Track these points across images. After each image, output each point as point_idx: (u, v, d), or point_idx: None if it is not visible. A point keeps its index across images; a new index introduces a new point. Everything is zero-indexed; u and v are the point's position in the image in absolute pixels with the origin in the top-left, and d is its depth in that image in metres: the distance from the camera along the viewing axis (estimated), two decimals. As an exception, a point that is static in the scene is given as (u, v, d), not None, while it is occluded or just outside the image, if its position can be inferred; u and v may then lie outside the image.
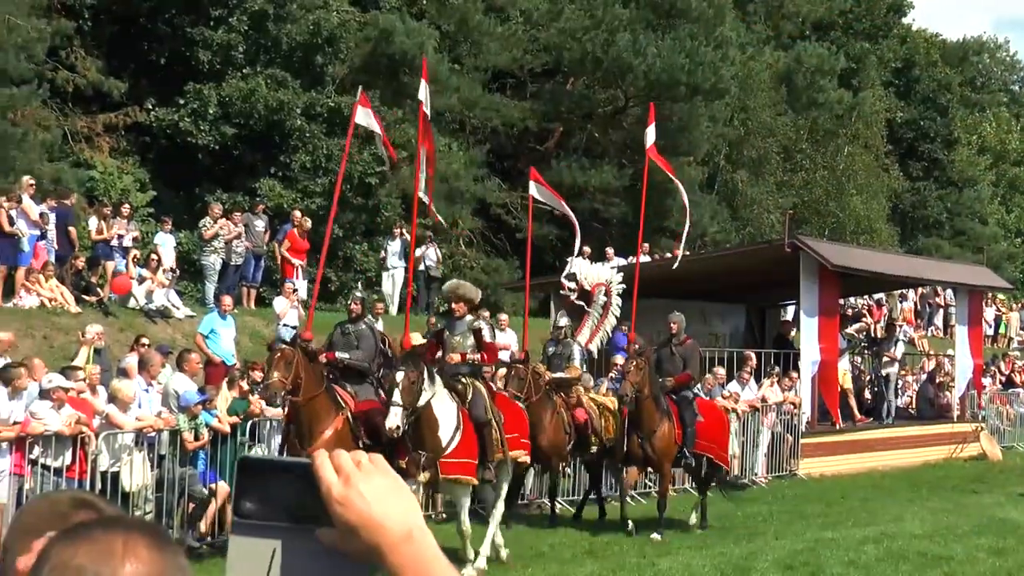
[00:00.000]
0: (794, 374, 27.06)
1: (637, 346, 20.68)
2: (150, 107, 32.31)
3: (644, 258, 33.10)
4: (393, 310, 28.51)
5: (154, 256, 24.94)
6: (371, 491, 2.03)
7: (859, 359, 32.60)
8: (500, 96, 39.43)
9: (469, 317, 16.76)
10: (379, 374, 17.70)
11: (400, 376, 15.14)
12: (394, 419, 14.92)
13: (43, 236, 23.72)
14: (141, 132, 32.76)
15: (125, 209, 25.99)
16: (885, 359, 30.90)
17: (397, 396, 15.05)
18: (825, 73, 49.07)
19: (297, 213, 28.74)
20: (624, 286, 24.75)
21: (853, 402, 29.53)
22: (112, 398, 16.41)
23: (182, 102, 31.90)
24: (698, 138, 41.47)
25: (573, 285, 25.82)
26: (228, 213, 27.59)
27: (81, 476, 15.11)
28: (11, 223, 23.03)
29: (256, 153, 32.38)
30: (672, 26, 41.21)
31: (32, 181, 24.08)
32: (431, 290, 30.49)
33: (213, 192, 30.62)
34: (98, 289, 24.15)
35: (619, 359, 24.67)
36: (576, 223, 24.69)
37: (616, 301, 24.19)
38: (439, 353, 16.97)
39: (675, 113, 40.00)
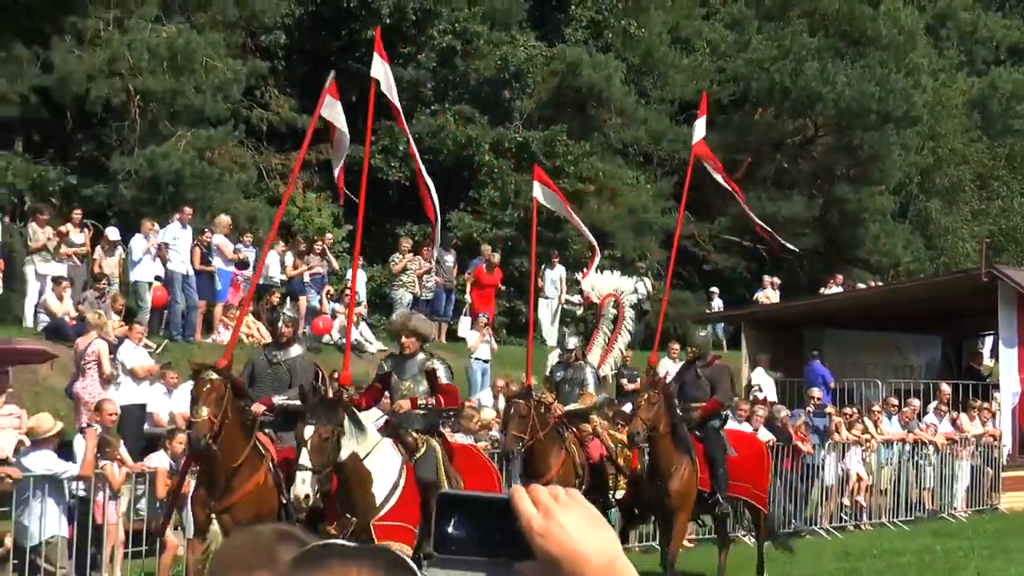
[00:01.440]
0: (985, 405, 26.40)
1: (645, 377, 17.98)
2: (341, 144, 32.82)
3: (835, 289, 32.73)
4: (551, 340, 28.10)
5: (348, 291, 25.30)
6: (571, 523, 2.02)
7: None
8: (687, 127, 39.28)
9: (421, 355, 14.42)
10: None
11: (308, 432, 12.31)
12: (301, 487, 12.17)
13: (240, 270, 24.28)
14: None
15: (318, 246, 26.45)
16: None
17: (305, 457, 12.26)
18: (1021, 99, 47.97)
19: (487, 247, 28.90)
20: (637, 297, 21.73)
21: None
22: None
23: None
24: (890, 167, 40.82)
25: (577, 299, 24.26)
26: (418, 248, 27.88)
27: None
28: (206, 262, 23.60)
29: (445, 188, 32.70)
30: (861, 54, 40.71)
31: (228, 219, 24.64)
32: (642, 323, 30.40)
33: (403, 226, 30.96)
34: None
35: (817, 392, 24.35)
36: (586, 232, 21.57)
37: (629, 315, 19.73)
38: (383, 399, 15.06)
39: (865, 142, 39.51)
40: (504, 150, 33.09)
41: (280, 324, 14.80)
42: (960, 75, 48.74)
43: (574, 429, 16.56)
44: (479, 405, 21.45)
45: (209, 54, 27.87)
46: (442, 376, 14.22)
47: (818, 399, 23.87)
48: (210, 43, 28.03)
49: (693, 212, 39.09)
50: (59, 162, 26.87)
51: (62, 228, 23.07)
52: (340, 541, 2.20)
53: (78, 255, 23.00)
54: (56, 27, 27.30)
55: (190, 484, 13.33)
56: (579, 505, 2.06)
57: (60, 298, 21.26)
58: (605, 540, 2.04)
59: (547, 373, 18.60)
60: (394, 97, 16.52)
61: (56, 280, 21.62)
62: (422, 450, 13.67)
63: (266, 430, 13.53)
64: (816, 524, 21.94)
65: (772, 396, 25.74)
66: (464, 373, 24.32)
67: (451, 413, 16.65)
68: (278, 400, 13.75)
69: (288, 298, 25.30)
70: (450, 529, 2.07)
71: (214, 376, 12.47)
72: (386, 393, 14.81)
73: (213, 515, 12.45)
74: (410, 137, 18.75)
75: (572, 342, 17.98)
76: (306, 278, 25.39)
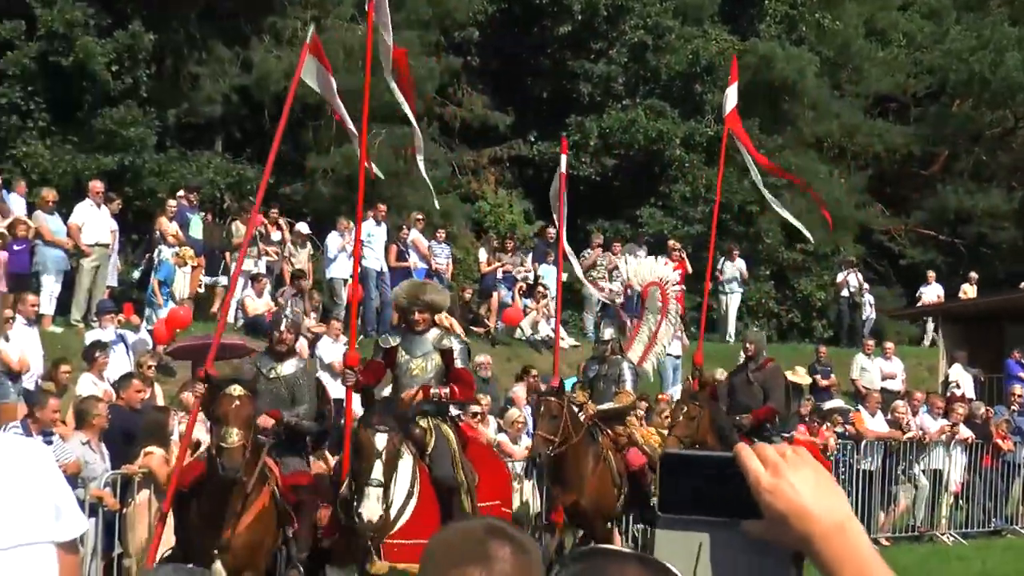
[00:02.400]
0: None
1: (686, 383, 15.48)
2: (533, 140, 33.05)
3: None
4: (733, 336, 27.77)
5: (540, 288, 25.44)
6: (800, 480, 2.03)
7: None
8: (882, 121, 38.68)
9: (436, 331, 12.53)
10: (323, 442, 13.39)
11: (382, 441, 10.70)
12: (375, 506, 10.61)
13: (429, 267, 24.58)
14: (524, 164, 33.55)
15: (509, 243, 26.62)
16: None
17: (377, 471, 10.66)
18: None
19: (673, 243, 28.76)
20: (682, 288, 18.78)
21: None
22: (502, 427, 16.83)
23: (564, 134, 32.48)
24: (1095, 157, 39.71)
25: (617, 287, 22.17)
26: (609, 243, 27.89)
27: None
28: (402, 258, 23.91)
29: (636, 183, 32.70)
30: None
31: (421, 216, 24.93)
32: (854, 318, 30.09)
33: (595, 222, 30.99)
34: (486, 320, 24.77)
35: (1018, 389, 23.78)
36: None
37: (675, 307, 17.22)
38: (385, 385, 12.96)
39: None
40: (695, 144, 32.94)
41: (281, 329, 12.32)
42: None
43: (609, 432, 14.76)
44: (671, 401, 21.41)
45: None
46: (458, 359, 12.28)
47: (1019, 396, 23.33)
48: (404, 41, 28.39)
49: (888, 205, 38.53)
50: (257, 161, 27.45)
51: (261, 228, 23.57)
52: (610, 547, 2.23)
53: (276, 252, 23.46)
54: (256, 28, 27.93)
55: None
56: (808, 464, 2.07)
57: (260, 294, 21.73)
58: (835, 500, 2.05)
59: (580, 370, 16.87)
60: (333, 99, 13.39)
61: (254, 278, 22.07)
62: (431, 442, 11.83)
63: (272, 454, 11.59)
64: (1016, 523, 21.50)
65: (970, 393, 25.25)
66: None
67: (463, 406, 14.79)
68: (288, 416, 11.76)
69: (480, 295, 25.54)
70: (674, 490, 2.11)
71: (241, 392, 10.60)
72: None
73: (216, 551, 10.69)
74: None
75: (608, 333, 16.05)
76: (499, 274, 25.55)
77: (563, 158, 16.23)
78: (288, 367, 12.11)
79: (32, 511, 3.14)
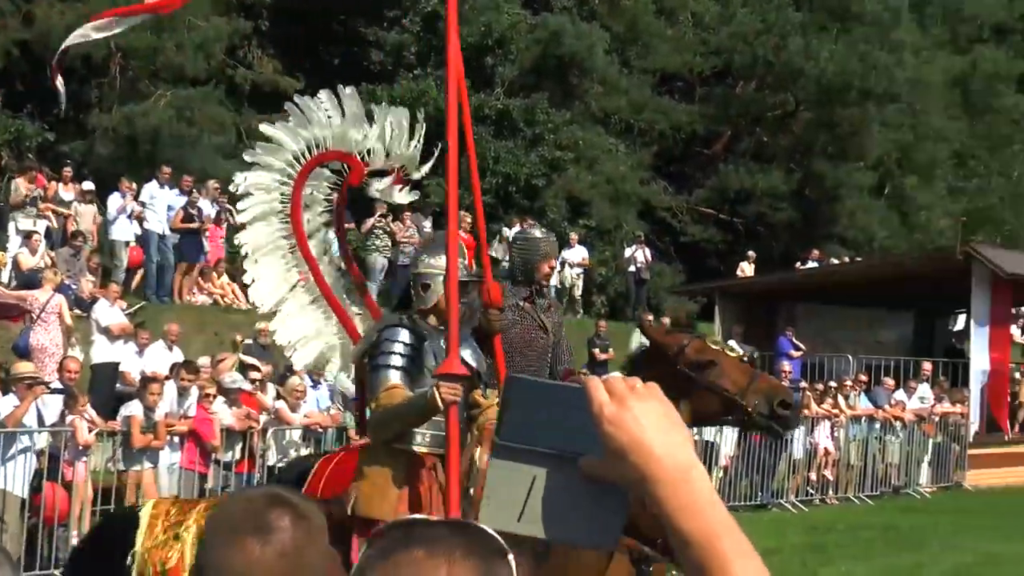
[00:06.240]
0: (966, 390, 26.49)
1: None
2: (323, 107, 32.75)
3: (811, 264, 32.88)
4: None
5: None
6: (645, 413, 1.88)
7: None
8: (669, 99, 39.32)
9: None
10: None
11: None
12: None
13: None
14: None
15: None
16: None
17: None
18: (1003, 78, 48.01)
19: (463, 213, 28.79)
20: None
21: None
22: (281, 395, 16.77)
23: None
24: (868, 143, 40.91)
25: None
26: (395, 212, 27.89)
27: (250, 471, 15.42)
28: (190, 220, 23.57)
29: (424, 154, 32.60)
30: (845, 30, 40.71)
31: (217, 185, 24.61)
32: (639, 293, 30.59)
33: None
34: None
35: (786, 366, 24.48)
36: None
37: None
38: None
39: (845, 118, 39.62)
40: (484, 117, 33.06)
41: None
42: (943, 53, 48.74)
43: None
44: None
45: (192, 12, 27.79)
46: None
47: (788, 372, 23.99)
48: (194, 1, 27.98)
49: (671, 183, 39.22)
50: (37, 118, 26.82)
51: (48, 185, 23.00)
52: (420, 517, 2.09)
53: (58, 212, 22.88)
54: (39, -18, 27.25)
55: None
56: (657, 399, 1.93)
57: (34, 252, 21.15)
58: (680, 441, 1.90)
59: None
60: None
61: (27, 235, 21.50)
62: None
63: None
64: (783, 497, 22.09)
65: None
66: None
67: None
68: None
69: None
70: (515, 418, 1.97)
71: None
72: None
73: None
74: None
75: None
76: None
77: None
78: None
79: None
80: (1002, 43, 52.30)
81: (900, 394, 25.35)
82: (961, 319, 31.65)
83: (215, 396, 15.48)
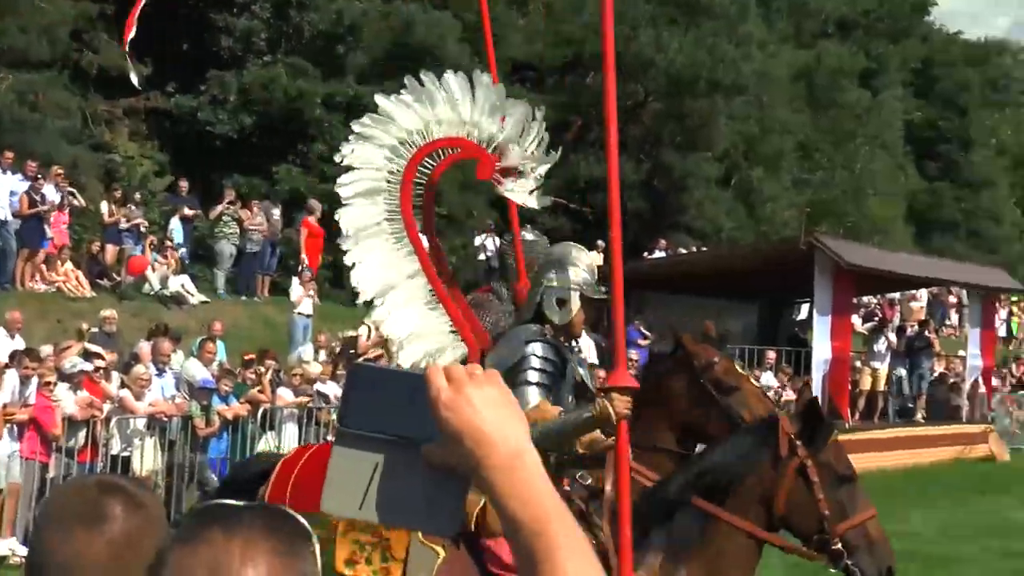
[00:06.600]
0: (808, 378, 26.97)
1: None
2: (171, 92, 32.39)
3: (658, 253, 33.25)
4: None
5: (168, 242, 25.08)
6: (482, 399, 1.91)
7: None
8: (520, 88, 39.38)
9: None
10: None
11: None
12: None
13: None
14: (161, 117, 32.87)
15: (138, 195, 26.12)
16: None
17: None
18: (846, 73, 49.00)
19: (314, 202, 28.69)
20: None
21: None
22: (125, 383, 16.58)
23: (203, 88, 32.01)
24: (716, 135, 41.46)
25: None
26: (244, 199, 27.69)
27: (92, 460, 15.21)
28: (35, 204, 23.15)
29: (274, 141, 32.39)
30: (695, 23, 41.14)
31: (61, 171, 24.20)
32: (490, 281, 30.60)
33: (230, 178, 30.59)
34: (114, 274, 24.28)
35: (634, 354, 24.72)
36: None
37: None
38: None
39: (694, 109, 40.07)
40: (335, 105, 32.87)
41: None
42: (788, 47, 49.58)
43: None
44: (299, 359, 21.50)
45: (36, -6, 27.32)
46: None
47: (636, 361, 24.22)
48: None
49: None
50: None
51: None
52: (225, 501, 2.08)
53: None
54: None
55: None
56: (495, 385, 1.95)
57: None
58: (515, 428, 1.92)
59: None
60: None
61: None
62: None
63: None
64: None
65: (592, 358, 26.06)
66: (286, 327, 24.33)
67: None
68: None
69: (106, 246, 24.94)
70: (358, 404, 1.98)
71: None
72: None
73: None
74: None
75: None
76: (124, 226, 24.95)
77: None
78: None
79: None
80: (846, 38, 53.39)
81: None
82: (805, 309, 32.22)
83: (56, 384, 15.24)
